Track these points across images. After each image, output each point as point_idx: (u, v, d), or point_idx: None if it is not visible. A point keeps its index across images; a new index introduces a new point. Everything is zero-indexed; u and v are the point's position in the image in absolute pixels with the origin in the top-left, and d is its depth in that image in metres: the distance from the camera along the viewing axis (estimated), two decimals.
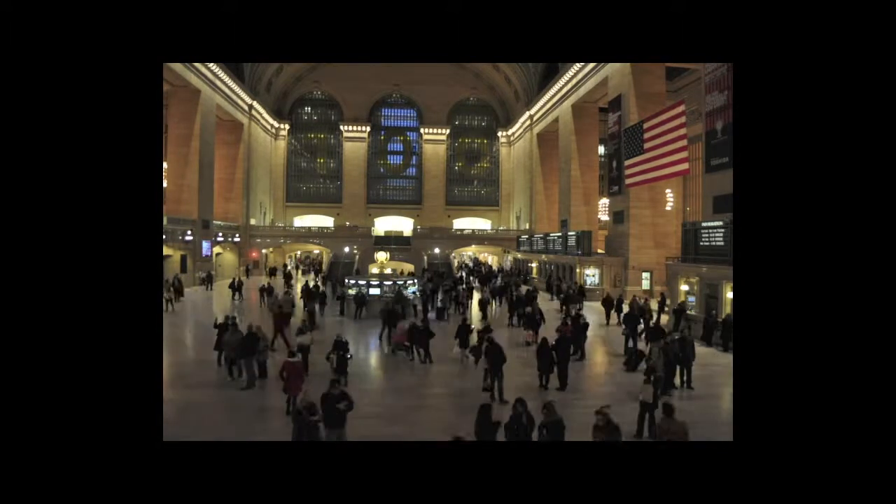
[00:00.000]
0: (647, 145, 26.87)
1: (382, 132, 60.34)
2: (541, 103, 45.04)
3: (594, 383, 13.40)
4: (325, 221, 57.40)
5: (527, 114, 49.36)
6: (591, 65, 34.26)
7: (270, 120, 53.22)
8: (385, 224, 59.41)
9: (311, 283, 29.32)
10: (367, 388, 12.24)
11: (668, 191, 32.47)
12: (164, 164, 33.83)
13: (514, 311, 21.25)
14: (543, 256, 39.05)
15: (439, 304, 22.94)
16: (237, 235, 44.84)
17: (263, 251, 49.01)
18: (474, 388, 11.97)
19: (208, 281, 33.41)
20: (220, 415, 10.33)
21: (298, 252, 56.91)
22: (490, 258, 58.48)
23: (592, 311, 23.07)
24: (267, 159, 54.20)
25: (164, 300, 22.67)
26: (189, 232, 34.22)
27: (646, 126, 27.04)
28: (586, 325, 16.08)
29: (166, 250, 31.17)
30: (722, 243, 18.71)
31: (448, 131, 59.69)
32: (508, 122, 57.31)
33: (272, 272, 42.79)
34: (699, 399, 11.75)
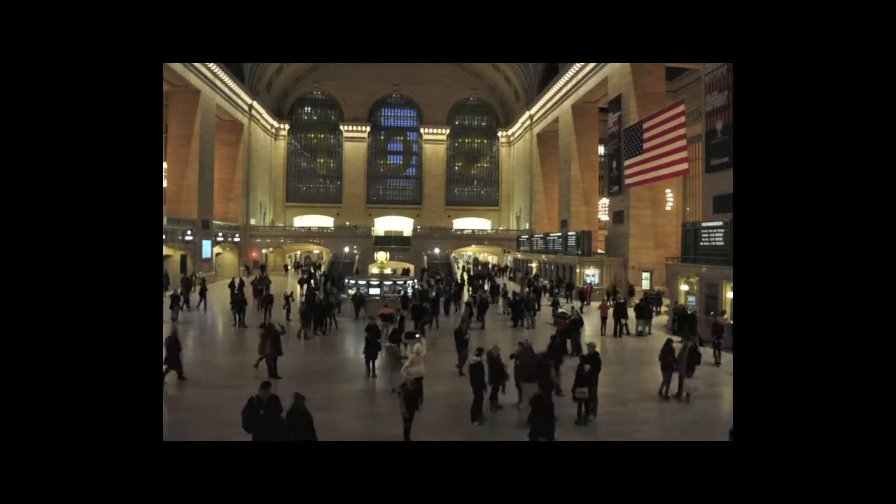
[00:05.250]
0: (646, 145, 26.87)
1: (382, 132, 60.33)
2: (541, 103, 45.03)
3: None
4: (325, 221, 57.40)
5: (527, 114, 49.34)
6: (591, 65, 34.25)
7: (270, 120, 53.20)
8: (385, 224, 59.40)
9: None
10: (365, 388, 12.24)
11: (668, 191, 32.47)
12: (164, 165, 33.83)
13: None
14: (543, 256, 39.06)
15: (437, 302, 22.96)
16: (237, 235, 44.87)
17: (263, 251, 49.05)
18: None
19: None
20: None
21: (298, 252, 56.93)
22: (490, 258, 58.47)
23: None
24: (267, 159, 54.20)
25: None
26: (189, 232, 34.20)
27: (645, 126, 27.04)
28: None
29: (166, 250, 31.15)
30: (722, 243, 18.72)
31: (448, 131, 59.67)
32: (508, 122, 57.29)
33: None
34: (699, 399, 11.75)
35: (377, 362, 13.26)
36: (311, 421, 7.14)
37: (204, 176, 37.13)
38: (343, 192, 59.24)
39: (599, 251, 34.23)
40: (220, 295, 29.08)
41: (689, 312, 18.73)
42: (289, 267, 51.57)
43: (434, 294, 24.17)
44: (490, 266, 50.26)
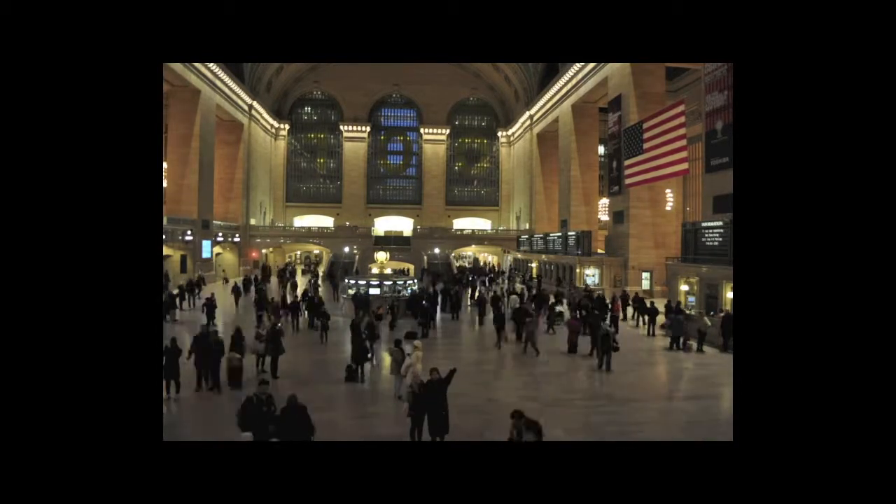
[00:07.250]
0: (646, 145, 26.88)
1: (382, 132, 60.34)
2: (541, 103, 45.04)
3: None
4: (325, 221, 57.41)
5: (527, 114, 49.35)
6: (591, 65, 34.26)
7: (270, 120, 53.20)
8: (385, 224, 59.41)
9: None
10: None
11: (668, 191, 32.49)
12: (164, 165, 33.86)
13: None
14: (543, 256, 39.05)
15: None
16: (237, 235, 44.85)
17: (263, 251, 49.04)
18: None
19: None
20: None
21: (298, 252, 56.90)
22: (490, 258, 58.47)
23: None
24: (267, 159, 54.20)
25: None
26: (189, 232, 34.22)
27: (645, 126, 27.05)
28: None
29: (166, 250, 31.17)
30: (720, 241, 18.74)
31: (448, 131, 59.67)
32: (508, 122, 57.29)
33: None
34: (699, 399, 11.76)
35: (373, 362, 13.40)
36: (306, 411, 7.31)
37: (204, 176, 37.13)
38: (343, 192, 59.24)
39: (599, 251, 34.24)
40: (219, 296, 29.06)
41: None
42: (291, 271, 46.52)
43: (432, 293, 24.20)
44: (491, 268, 50.10)
